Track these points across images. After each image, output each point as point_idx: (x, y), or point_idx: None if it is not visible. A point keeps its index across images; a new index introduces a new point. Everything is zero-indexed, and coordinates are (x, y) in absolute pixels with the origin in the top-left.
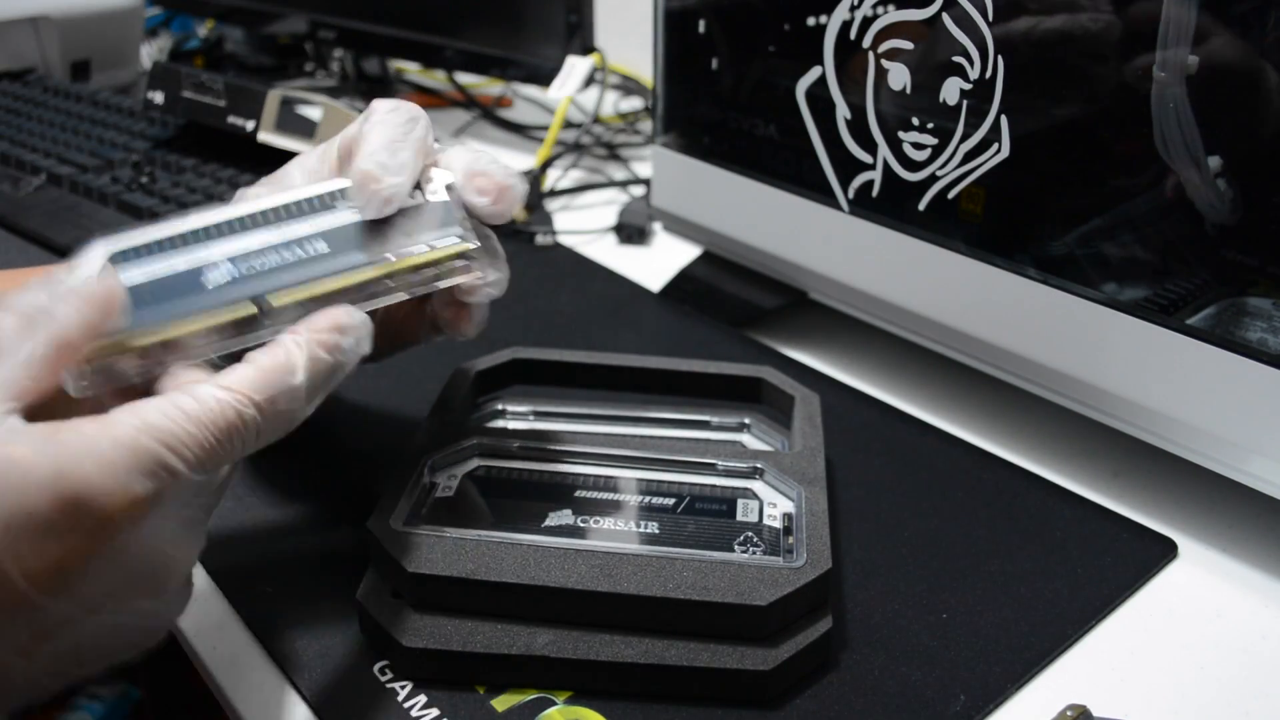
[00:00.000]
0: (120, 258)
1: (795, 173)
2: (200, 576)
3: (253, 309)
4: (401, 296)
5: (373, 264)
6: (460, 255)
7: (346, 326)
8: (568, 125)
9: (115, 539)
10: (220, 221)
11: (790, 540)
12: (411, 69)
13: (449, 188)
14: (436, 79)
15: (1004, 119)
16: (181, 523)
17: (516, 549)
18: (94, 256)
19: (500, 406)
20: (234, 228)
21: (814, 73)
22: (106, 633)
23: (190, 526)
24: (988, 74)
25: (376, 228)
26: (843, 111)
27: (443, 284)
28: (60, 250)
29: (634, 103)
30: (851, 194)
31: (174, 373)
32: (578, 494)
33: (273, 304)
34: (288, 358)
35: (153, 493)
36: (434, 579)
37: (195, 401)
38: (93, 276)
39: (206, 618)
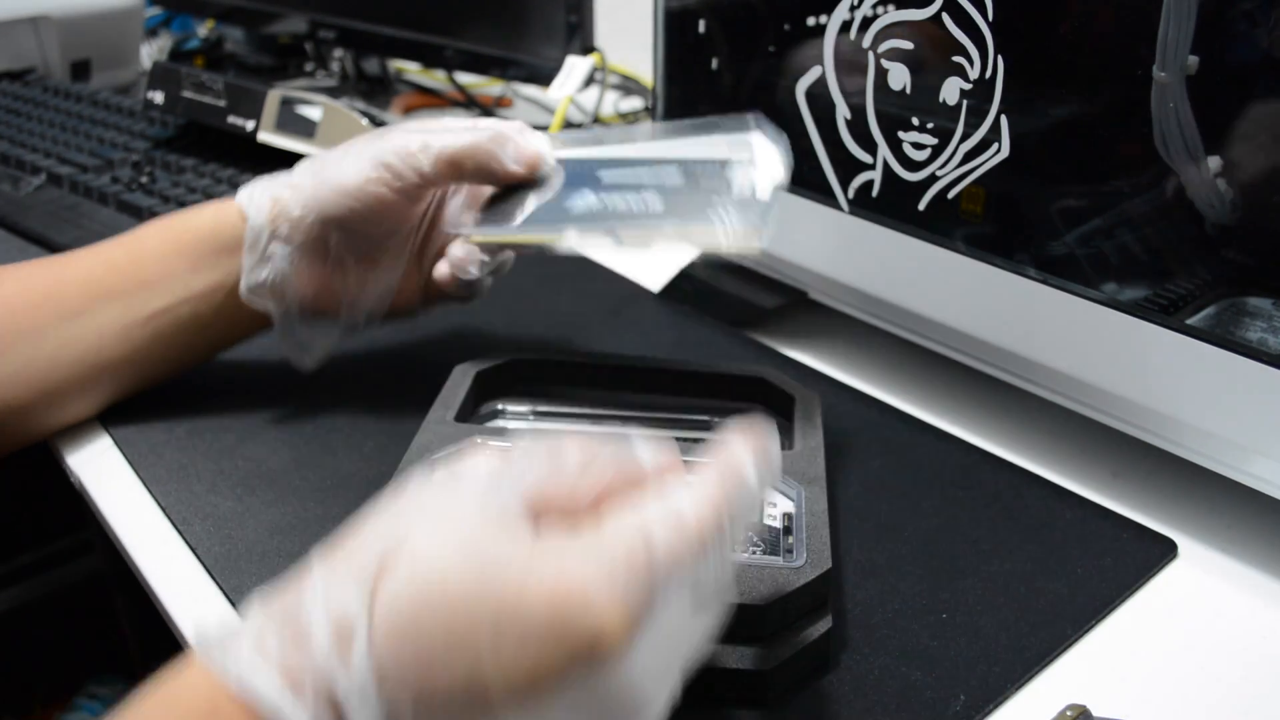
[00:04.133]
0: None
1: (795, 173)
2: (200, 576)
3: (609, 239)
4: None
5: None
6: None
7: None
8: (568, 125)
9: (602, 661)
10: (606, 158)
11: (790, 540)
12: (411, 69)
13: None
14: (436, 79)
15: (1004, 119)
16: (661, 658)
17: None
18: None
19: (500, 406)
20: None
21: (814, 73)
22: None
23: (669, 665)
24: (988, 74)
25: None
26: (843, 111)
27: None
28: (60, 250)
29: (634, 103)
30: (851, 194)
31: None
32: None
33: (622, 239)
34: (743, 468)
35: (646, 612)
36: None
37: (681, 518)
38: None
39: (206, 618)
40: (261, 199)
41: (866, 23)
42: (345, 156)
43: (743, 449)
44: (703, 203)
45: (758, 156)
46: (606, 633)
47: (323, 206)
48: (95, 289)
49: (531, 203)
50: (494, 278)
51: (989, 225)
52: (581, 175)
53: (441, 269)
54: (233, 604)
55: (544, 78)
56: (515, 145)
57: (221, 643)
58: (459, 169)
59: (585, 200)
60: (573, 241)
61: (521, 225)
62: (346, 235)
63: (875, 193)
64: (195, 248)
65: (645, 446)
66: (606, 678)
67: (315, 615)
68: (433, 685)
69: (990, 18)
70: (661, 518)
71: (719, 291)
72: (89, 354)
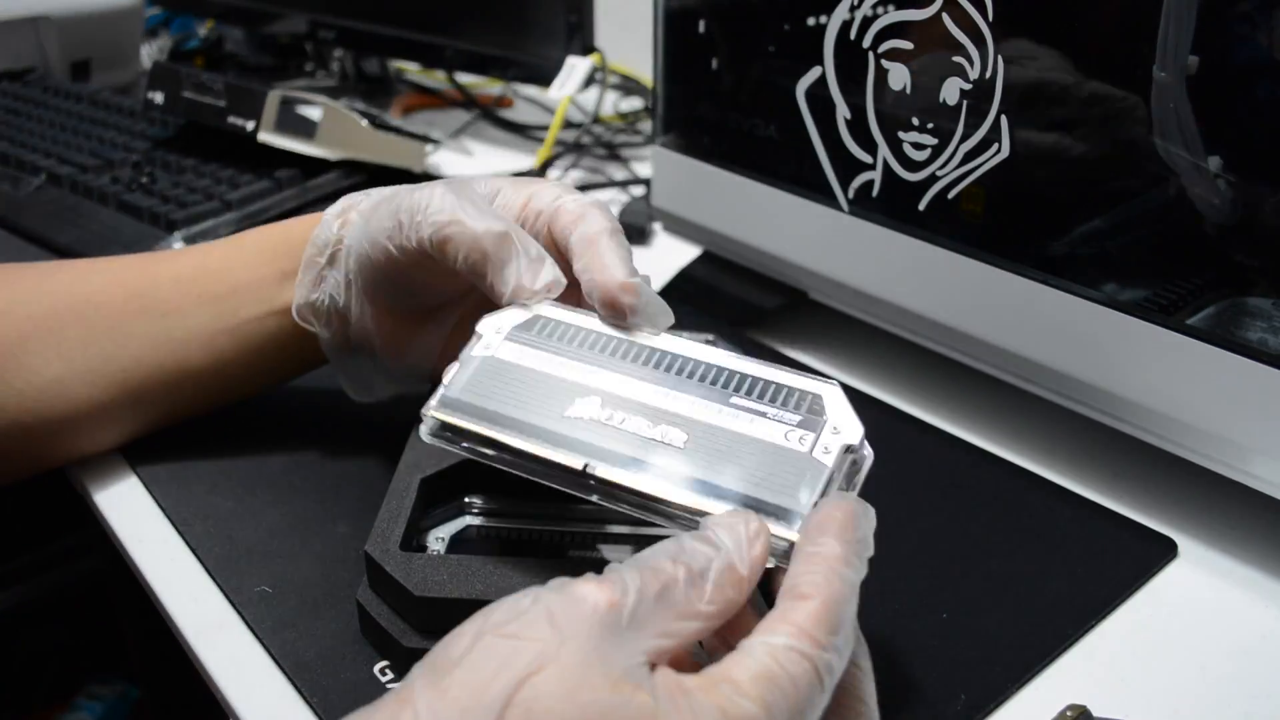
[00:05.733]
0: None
1: (795, 173)
2: (200, 576)
3: (580, 465)
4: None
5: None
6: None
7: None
8: (568, 125)
9: None
10: (623, 351)
11: None
12: (411, 69)
13: (848, 449)
14: (436, 79)
15: (1004, 119)
16: None
17: (523, 563)
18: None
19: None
20: (628, 360)
21: (814, 73)
22: None
23: None
24: (988, 74)
25: (737, 453)
26: (843, 111)
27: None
28: (60, 250)
29: (634, 103)
30: (851, 194)
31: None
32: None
33: (599, 475)
34: (844, 589)
35: None
36: (441, 602)
37: (792, 670)
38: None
39: (206, 618)
40: (335, 217)
41: (866, 23)
42: (394, 196)
43: (839, 553)
44: (734, 460)
45: (829, 409)
46: None
47: (359, 246)
48: (187, 289)
49: (536, 378)
50: None
51: (989, 225)
52: (597, 367)
53: None
54: (233, 604)
55: (544, 78)
56: (516, 266)
57: None
58: (453, 255)
59: (587, 406)
60: (560, 459)
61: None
62: (388, 282)
63: (875, 193)
64: (287, 257)
65: (727, 534)
66: None
67: None
68: None
69: (990, 18)
70: (770, 668)
71: (719, 291)
72: (173, 357)
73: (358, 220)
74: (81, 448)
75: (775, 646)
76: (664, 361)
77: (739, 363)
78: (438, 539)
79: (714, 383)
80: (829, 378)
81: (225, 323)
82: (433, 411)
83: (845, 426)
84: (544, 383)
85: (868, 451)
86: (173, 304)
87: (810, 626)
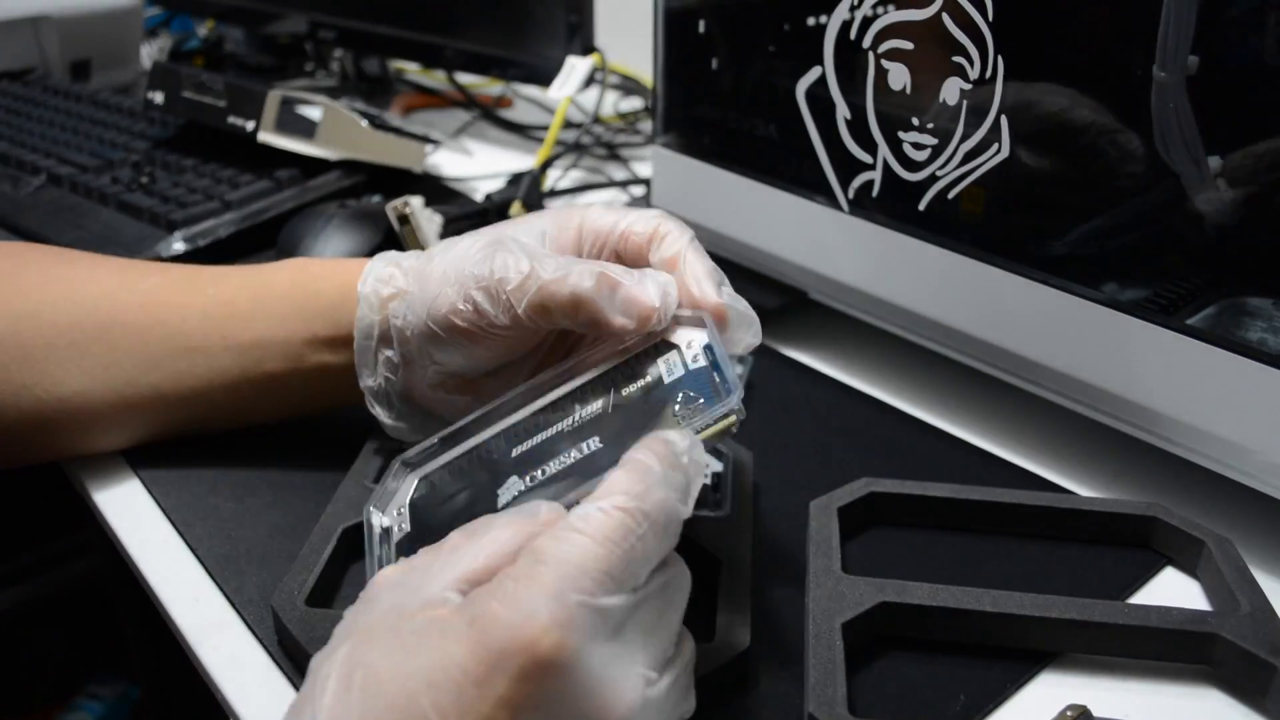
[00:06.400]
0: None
1: (795, 173)
2: (200, 576)
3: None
4: None
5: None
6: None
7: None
8: (568, 125)
9: (550, 681)
10: (513, 425)
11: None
12: (411, 69)
13: (708, 349)
14: (436, 79)
15: (1004, 119)
16: (618, 652)
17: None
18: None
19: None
20: (523, 431)
21: (814, 73)
22: None
23: (629, 662)
24: (988, 74)
25: (639, 406)
26: (843, 111)
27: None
28: None
29: (634, 103)
30: (851, 194)
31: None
32: (515, 451)
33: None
34: (646, 462)
35: (568, 620)
36: None
37: (585, 524)
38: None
39: (206, 618)
40: (374, 295)
41: (866, 23)
42: (450, 268)
43: (642, 450)
44: (648, 411)
45: (675, 339)
46: (532, 650)
47: (418, 328)
48: (213, 329)
49: (459, 512)
50: None
51: (989, 225)
52: (492, 466)
53: None
54: (233, 604)
55: (544, 78)
56: (626, 292)
57: None
58: (556, 315)
59: (510, 488)
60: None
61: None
62: (450, 355)
63: (875, 193)
64: (318, 319)
65: (542, 505)
66: (558, 689)
67: None
68: None
69: (990, 18)
70: (561, 528)
71: None
72: (195, 392)
73: (414, 295)
74: (95, 447)
75: (543, 538)
76: (541, 416)
77: (599, 370)
78: (398, 513)
79: (588, 392)
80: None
81: (249, 373)
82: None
83: (694, 337)
84: (465, 511)
85: (712, 327)
86: (197, 341)
87: (613, 486)
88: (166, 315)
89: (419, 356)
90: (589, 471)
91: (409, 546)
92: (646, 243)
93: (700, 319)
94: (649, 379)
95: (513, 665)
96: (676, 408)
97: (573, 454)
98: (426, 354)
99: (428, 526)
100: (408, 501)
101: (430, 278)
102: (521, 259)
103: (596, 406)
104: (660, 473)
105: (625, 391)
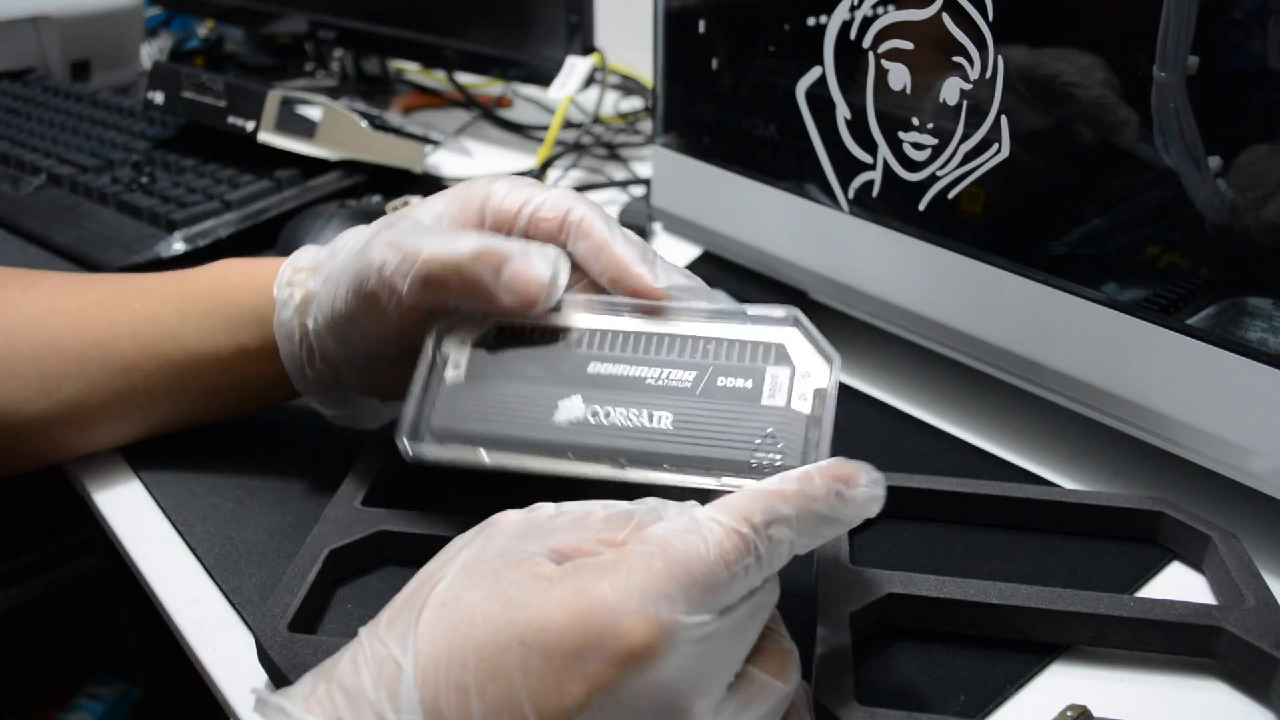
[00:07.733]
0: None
1: (795, 173)
2: (200, 576)
3: (609, 473)
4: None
5: (708, 476)
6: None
7: (850, 479)
8: (568, 125)
9: (634, 676)
10: (605, 332)
11: None
12: (411, 69)
13: (820, 396)
14: (436, 79)
15: (1004, 119)
16: (700, 664)
17: None
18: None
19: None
20: (609, 347)
21: (814, 73)
22: None
23: (711, 672)
24: (988, 74)
25: (722, 413)
26: (843, 111)
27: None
28: (60, 250)
29: (634, 103)
30: (851, 194)
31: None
32: (590, 369)
33: (628, 474)
34: (780, 488)
35: (671, 622)
36: None
37: (702, 528)
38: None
39: (206, 618)
40: (290, 300)
41: (866, 23)
42: (340, 263)
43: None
44: (723, 430)
45: (794, 357)
46: (629, 639)
47: (327, 328)
48: (145, 346)
49: (516, 390)
50: None
51: (989, 225)
52: (568, 363)
53: None
54: (233, 604)
55: (544, 78)
56: (512, 269)
57: (274, 702)
58: (443, 290)
59: (571, 408)
60: (565, 470)
61: (493, 453)
62: (368, 345)
63: (875, 193)
64: (241, 333)
65: (664, 505)
66: (638, 685)
67: (363, 666)
68: (473, 711)
69: (990, 18)
70: (680, 528)
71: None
72: (142, 408)
73: (321, 305)
74: (44, 460)
75: (667, 528)
76: (630, 343)
77: (702, 326)
78: (455, 366)
79: (684, 353)
80: (788, 310)
81: (190, 386)
82: (422, 451)
83: (813, 369)
84: (522, 393)
85: (835, 372)
86: (132, 360)
87: (740, 505)
88: (99, 336)
89: (340, 350)
90: (643, 454)
91: (451, 393)
92: (558, 230)
93: (822, 351)
94: (747, 383)
95: (608, 649)
96: (757, 441)
97: (640, 418)
98: (346, 348)
99: (482, 377)
100: (470, 342)
101: (330, 276)
102: (405, 240)
103: (687, 379)
104: (796, 517)
105: (720, 383)
